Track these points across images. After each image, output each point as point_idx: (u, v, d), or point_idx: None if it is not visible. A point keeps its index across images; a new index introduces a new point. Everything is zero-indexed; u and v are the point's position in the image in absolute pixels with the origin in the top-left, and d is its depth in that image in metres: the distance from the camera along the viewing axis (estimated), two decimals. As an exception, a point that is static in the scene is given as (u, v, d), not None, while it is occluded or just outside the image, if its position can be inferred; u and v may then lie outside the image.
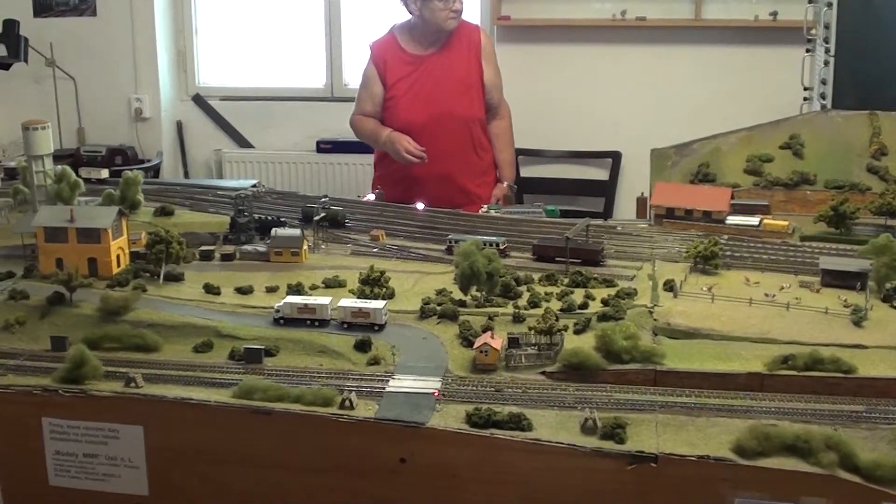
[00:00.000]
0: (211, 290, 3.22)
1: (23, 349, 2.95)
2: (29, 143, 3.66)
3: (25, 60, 7.39)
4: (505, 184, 5.72)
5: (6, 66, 7.42)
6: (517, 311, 2.96)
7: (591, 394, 2.58)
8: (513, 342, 2.75)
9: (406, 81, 5.54)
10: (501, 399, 2.56)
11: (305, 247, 3.56)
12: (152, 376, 2.73)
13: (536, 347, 2.75)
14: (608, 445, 2.38)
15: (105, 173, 4.52)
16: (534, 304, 3.03)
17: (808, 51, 5.58)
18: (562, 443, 2.39)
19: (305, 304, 2.97)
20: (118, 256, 3.36)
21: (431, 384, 2.62)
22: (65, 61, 7.59)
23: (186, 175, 7.92)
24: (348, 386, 2.64)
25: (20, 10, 7.49)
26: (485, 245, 3.28)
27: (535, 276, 3.30)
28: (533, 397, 2.57)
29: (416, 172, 5.40)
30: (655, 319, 2.90)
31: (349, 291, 3.21)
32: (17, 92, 7.71)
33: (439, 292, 3.16)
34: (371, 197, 4.51)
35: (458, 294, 3.11)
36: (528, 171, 7.12)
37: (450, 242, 3.59)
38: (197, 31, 7.91)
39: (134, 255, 3.45)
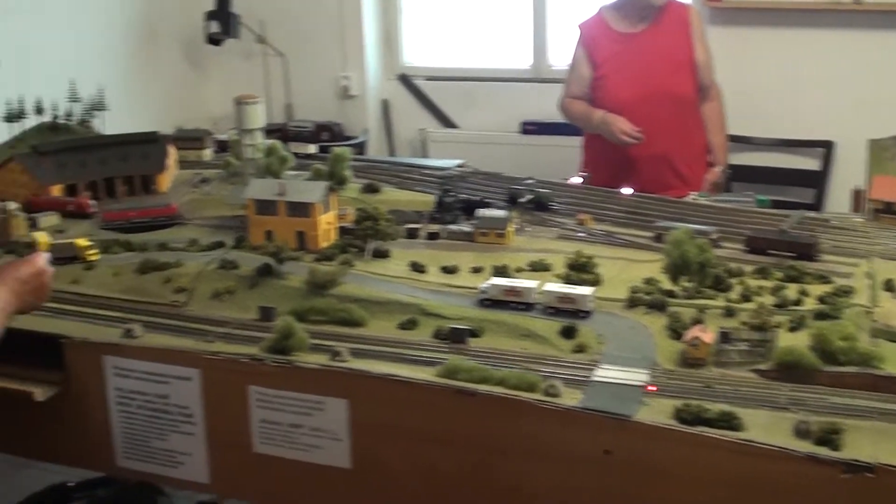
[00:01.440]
0: (417, 267, 3.23)
1: (232, 318, 3.02)
2: (241, 117, 3.76)
3: (237, 37, 7.61)
4: (718, 168, 5.58)
5: (218, 42, 7.67)
6: (729, 304, 2.86)
7: (806, 395, 2.45)
8: (725, 337, 2.65)
9: (616, 60, 5.47)
10: (712, 395, 2.46)
11: (511, 228, 3.53)
12: (358, 351, 2.75)
13: (748, 344, 2.64)
14: (822, 451, 2.25)
15: (312, 148, 4.60)
16: (746, 297, 2.92)
17: None
18: (774, 446, 2.27)
19: (512, 287, 2.94)
20: (326, 231, 3.40)
21: (639, 376, 2.55)
22: (275, 39, 7.76)
23: (392, 153, 8.01)
24: (552, 372, 2.59)
25: (233, -13, 7.72)
26: (697, 234, 3.18)
27: (747, 269, 3.18)
28: (744, 396, 2.46)
29: (630, 153, 5.33)
30: (874, 321, 2.75)
31: (555, 276, 3.16)
32: (229, 67, 7.95)
33: (647, 281, 3.07)
34: (576, 180, 4.46)
35: (666, 284, 3.02)
36: (736, 159, 6.87)
37: (659, 230, 3.50)
38: (402, 11, 7.98)
39: (342, 231, 3.49)
